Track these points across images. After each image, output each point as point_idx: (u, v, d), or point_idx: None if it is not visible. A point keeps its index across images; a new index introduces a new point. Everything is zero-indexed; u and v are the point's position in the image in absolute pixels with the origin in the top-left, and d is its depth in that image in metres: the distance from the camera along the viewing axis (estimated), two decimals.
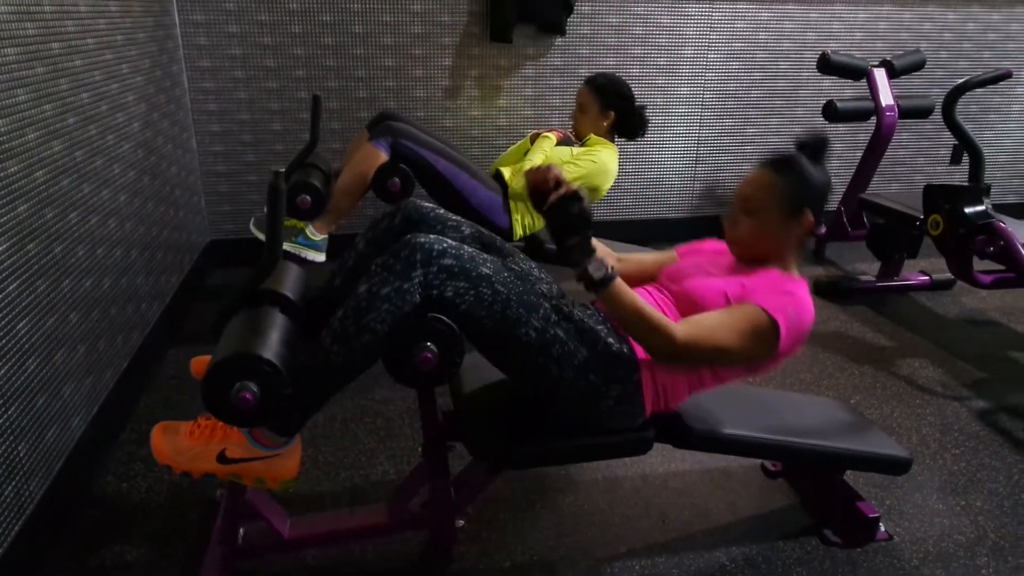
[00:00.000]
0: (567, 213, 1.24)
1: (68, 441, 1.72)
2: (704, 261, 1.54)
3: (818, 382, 2.39)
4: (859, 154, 3.57)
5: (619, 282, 1.27)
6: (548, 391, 1.34)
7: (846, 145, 3.81)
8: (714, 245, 1.62)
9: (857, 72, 3.16)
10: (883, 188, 3.88)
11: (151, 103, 2.51)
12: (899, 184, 3.98)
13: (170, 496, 1.76)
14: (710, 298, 1.38)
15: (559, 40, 3.34)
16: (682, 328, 1.28)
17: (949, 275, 3.15)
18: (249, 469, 1.29)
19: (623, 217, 3.71)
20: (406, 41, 3.18)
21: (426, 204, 1.51)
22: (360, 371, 1.27)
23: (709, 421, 1.54)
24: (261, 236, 2.41)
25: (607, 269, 1.26)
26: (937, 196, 2.47)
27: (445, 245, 1.26)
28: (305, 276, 1.58)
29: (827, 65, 3.11)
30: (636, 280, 1.60)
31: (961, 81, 2.47)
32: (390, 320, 1.21)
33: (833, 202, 3.66)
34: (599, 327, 1.37)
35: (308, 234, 2.40)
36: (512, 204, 2.57)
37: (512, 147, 2.83)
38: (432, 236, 1.26)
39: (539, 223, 2.62)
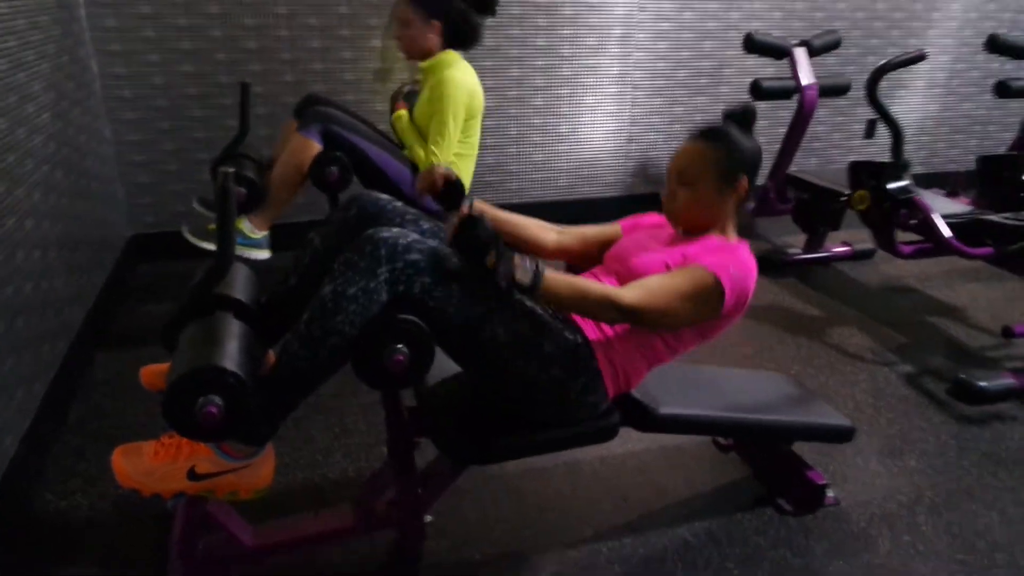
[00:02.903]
0: (471, 239, 1.17)
1: (1, 462, 1.61)
2: (645, 236, 1.54)
3: (759, 355, 2.49)
4: (783, 131, 3.70)
5: (550, 274, 1.24)
6: (514, 387, 1.34)
7: (770, 122, 3.93)
8: (654, 219, 1.63)
9: (779, 52, 3.26)
10: (802, 163, 4.04)
11: (59, 91, 2.33)
12: (817, 159, 4.15)
13: (116, 510, 1.67)
14: (653, 271, 1.39)
15: (489, 20, 3.28)
16: (629, 292, 1.28)
17: (869, 245, 3.33)
18: (221, 483, 1.24)
19: (558, 198, 3.72)
20: (332, 22, 3.06)
21: (382, 196, 1.46)
22: (329, 375, 1.23)
23: (667, 403, 1.57)
24: (200, 244, 2.29)
25: (534, 267, 1.22)
26: (862, 173, 2.58)
27: (411, 239, 1.23)
28: (256, 277, 1.52)
29: (751, 45, 3.19)
30: (579, 254, 1.61)
31: (882, 62, 2.57)
32: (359, 322, 1.18)
33: (760, 178, 3.78)
34: (555, 321, 1.37)
35: (246, 232, 2.30)
36: None
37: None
38: (395, 230, 1.23)
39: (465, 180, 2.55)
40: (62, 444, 1.89)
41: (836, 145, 4.16)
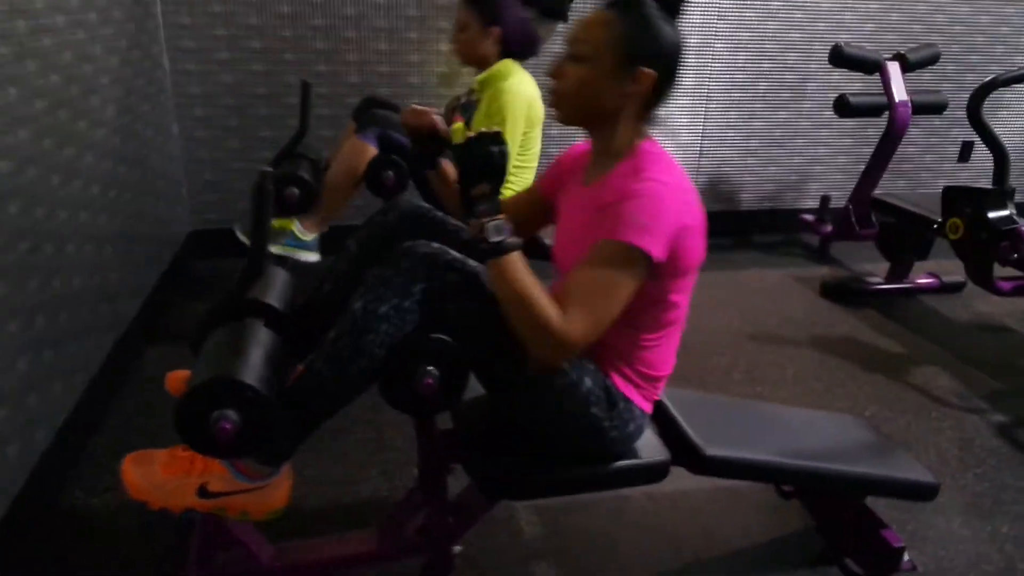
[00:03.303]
0: (482, 153, 1.07)
1: (32, 455, 1.59)
2: (568, 200, 1.31)
3: (830, 391, 2.29)
4: (868, 151, 3.46)
5: (517, 256, 1.08)
6: (550, 423, 1.23)
7: (855, 140, 3.70)
8: (576, 154, 1.37)
9: (870, 66, 3.04)
10: (888, 185, 3.77)
11: (128, 86, 2.35)
12: (905, 181, 3.88)
13: (143, 513, 1.63)
14: (572, 261, 1.16)
15: (561, 27, 3.19)
16: (567, 322, 1.05)
17: (959, 278, 3.06)
18: (233, 503, 1.17)
19: None
20: (401, 24, 3.02)
21: (423, 204, 1.38)
22: (355, 396, 1.15)
23: (723, 444, 1.43)
24: (248, 241, 2.26)
25: (506, 234, 1.07)
26: (958, 199, 2.36)
27: (450, 257, 1.13)
28: (293, 282, 1.45)
29: (840, 58, 2.99)
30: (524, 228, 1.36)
31: (989, 78, 2.35)
32: (388, 342, 1.09)
33: (841, 199, 3.55)
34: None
35: (297, 234, 2.26)
36: None
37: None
38: (435, 246, 1.14)
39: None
40: (102, 439, 1.88)
41: (927, 168, 3.88)
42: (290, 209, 2.22)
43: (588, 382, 1.20)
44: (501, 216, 1.08)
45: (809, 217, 3.57)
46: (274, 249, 2.23)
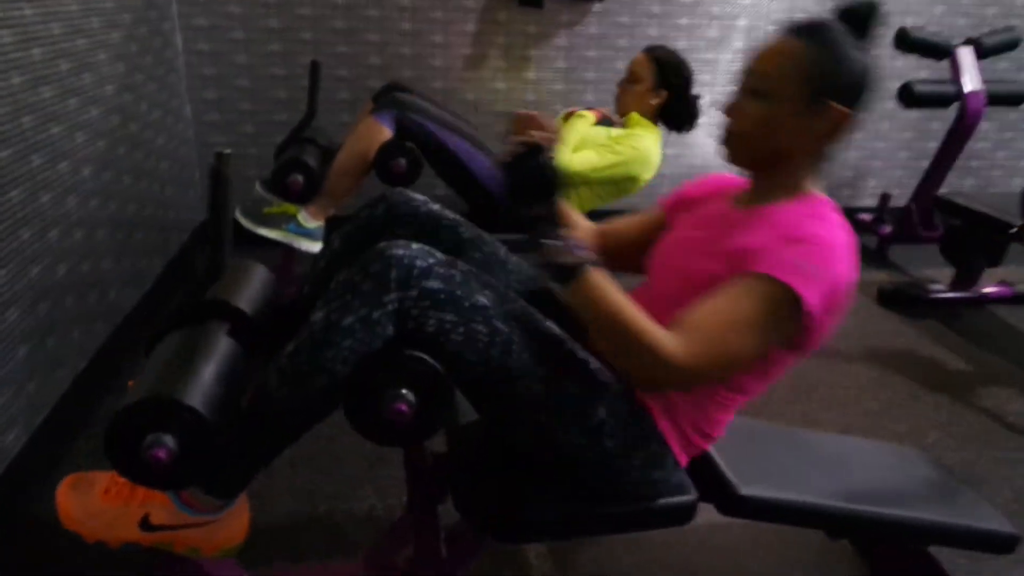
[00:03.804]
0: (533, 169, 0.96)
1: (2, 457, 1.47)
2: (694, 223, 1.16)
3: (887, 413, 2.04)
4: (932, 145, 3.17)
5: (597, 274, 0.94)
6: (555, 457, 1.04)
7: (918, 134, 3.39)
8: (712, 183, 1.23)
9: (940, 51, 2.75)
10: (955, 184, 3.46)
11: (132, 64, 2.21)
12: (974, 179, 3.56)
13: None
14: (698, 283, 1.01)
15: (596, 6, 2.97)
16: (680, 344, 0.91)
17: None
18: (179, 538, 1.00)
19: None
20: (425, 3, 2.84)
21: (417, 196, 1.19)
22: (316, 420, 0.97)
23: (761, 481, 1.22)
24: (255, 229, 2.11)
25: (583, 252, 0.94)
26: None
27: (431, 262, 0.94)
28: (272, 281, 1.28)
29: (905, 42, 2.71)
30: (622, 254, 1.26)
31: None
32: (353, 359, 0.90)
33: (902, 198, 3.26)
34: (614, 379, 1.04)
35: (301, 221, 2.10)
36: None
37: None
38: (415, 247, 0.95)
39: None
40: (85, 440, 1.75)
41: (999, 165, 3.55)
42: (293, 196, 2.07)
43: (602, 412, 1.00)
44: (570, 234, 0.95)
45: (866, 217, 3.28)
46: (275, 235, 2.08)
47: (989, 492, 1.73)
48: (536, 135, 1.08)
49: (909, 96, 2.73)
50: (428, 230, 1.15)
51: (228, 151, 1.00)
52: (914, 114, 3.30)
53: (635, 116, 2.30)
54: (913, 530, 1.30)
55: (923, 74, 3.20)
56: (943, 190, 2.95)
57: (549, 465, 1.07)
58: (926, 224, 2.98)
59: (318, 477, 1.67)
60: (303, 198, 2.08)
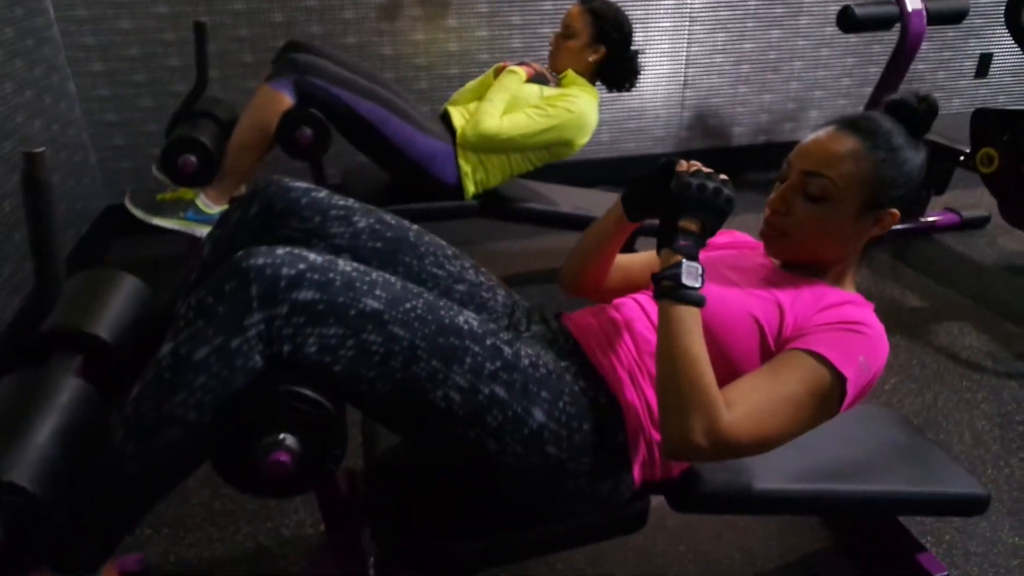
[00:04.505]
0: (711, 188, 0.91)
1: None
2: (722, 257, 1.07)
3: None
4: (873, 71, 3.06)
5: (699, 314, 0.88)
6: (485, 471, 0.90)
7: (859, 59, 3.27)
8: (737, 237, 1.18)
9: None
10: None
11: None
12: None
13: None
14: (731, 321, 0.92)
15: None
16: (733, 419, 0.83)
17: (982, 212, 2.70)
18: None
19: (597, 156, 3.18)
20: None
21: (297, 184, 1.01)
22: (181, 477, 0.81)
23: (712, 469, 1.11)
24: (148, 219, 1.88)
25: (701, 283, 0.88)
26: (993, 125, 1.98)
27: (302, 267, 0.77)
28: (142, 291, 1.10)
29: None
30: (619, 290, 1.14)
31: None
32: (211, 402, 0.74)
33: None
34: (562, 365, 0.91)
35: (200, 206, 1.88)
36: (461, 154, 2.05)
37: (470, 83, 2.30)
38: (280, 252, 0.77)
39: (495, 178, 2.11)
40: None
41: (939, 86, 3.47)
42: (188, 179, 1.85)
43: (539, 415, 0.87)
44: (699, 262, 0.89)
45: None
46: (172, 224, 1.86)
47: (949, 436, 1.66)
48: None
49: (850, 20, 2.59)
50: (315, 224, 0.97)
51: (40, 150, 0.80)
52: (854, 38, 3.18)
53: (571, 74, 2.13)
54: (883, 504, 1.21)
55: None
56: None
57: (483, 480, 0.93)
58: None
59: (241, 498, 1.50)
60: (200, 180, 1.86)
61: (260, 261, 0.75)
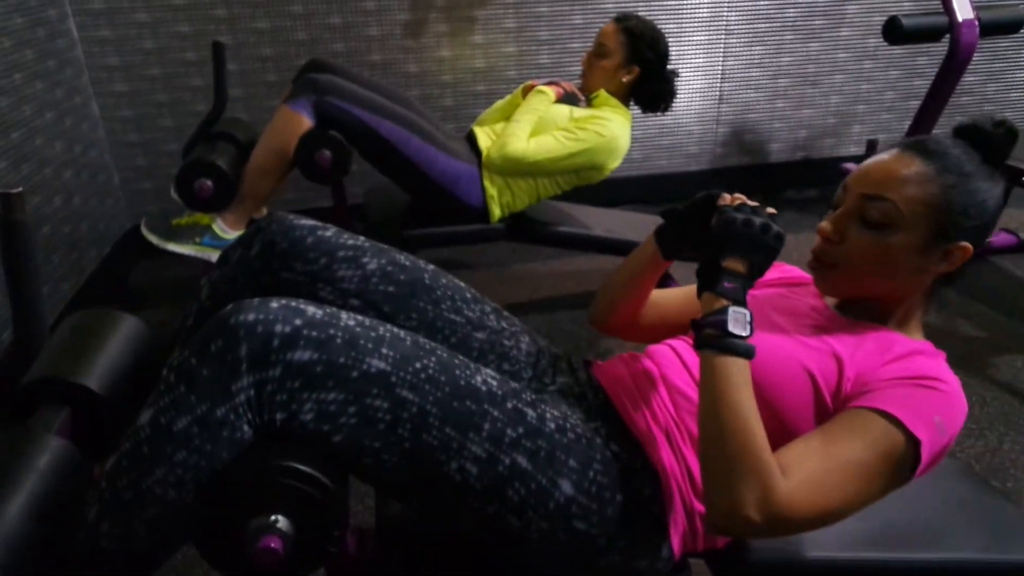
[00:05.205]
0: (758, 223, 0.81)
1: None
2: (768, 297, 0.96)
3: None
4: (920, 84, 2.92)
5: (748, 367, 0.78)
6: (507, 546, 0.80)
7: (904, 72, 3.13)
8: (779, 271, 1.06)
9: None
10: (944, 124, 3.21)
11: (5, 62, 1.90)
12: (963, 117, 3.26)
13: None
14: (781, 375, 0.81)
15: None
16: (789, 487, 0.72)
17: None
18: None
19: (629, 173, 3.07)
20: None
21: (303, 222, 0.92)
22: (162, 558, 0.72)
23: None
24: (163, 245, 1.82)
25: (749, 331, 0.77)
26: None
27: (298, 323, 0.69)
28: (142, 332, 1.02)
29: None
30: (653, 329, 1.04)
31: None
32: (192, 479, 0.65)
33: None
34: (592, 426, 0.81)
35: (217, 231, 1.82)
36: (487, 177, 1.97)
37: (498, 102, 2.22)
38: (275, 305, 0.69)
39: (522, 201, 2.02)
40: None
41: (990, 99, 3.30)
42: (204, 204, 1.79)
43: (567, 487, 0.77)
44: (744, 308, 0.79)
45: (852, 167, 3.02)
46: (187, 250, 1.80)
47: (1018, 487, 1.52)
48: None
49: (897, 32, 2.45)
50: (321, 267, 0.89)
51: (18, 190, 0.73)
52: (899, 50, 3.04)
53: (603, 94, 2.04)
54: (956, 573, 1.08)
55: (905, 6, 2.94)
56: (938, 131, 2.70)
57: (504, 557, 0.83)
58: None
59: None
60: (216, 205, 1.80)
61: (251, 317, 0.66)
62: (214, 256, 1.82)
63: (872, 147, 2.94)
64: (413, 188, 1.96)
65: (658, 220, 1.00)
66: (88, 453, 0.87)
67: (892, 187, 0.83)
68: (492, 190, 1.96)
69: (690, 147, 3.09)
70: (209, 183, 1.75)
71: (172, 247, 1.80)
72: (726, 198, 0.87)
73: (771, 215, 0.84)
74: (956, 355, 1.93)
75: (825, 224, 0.88)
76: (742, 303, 0.79)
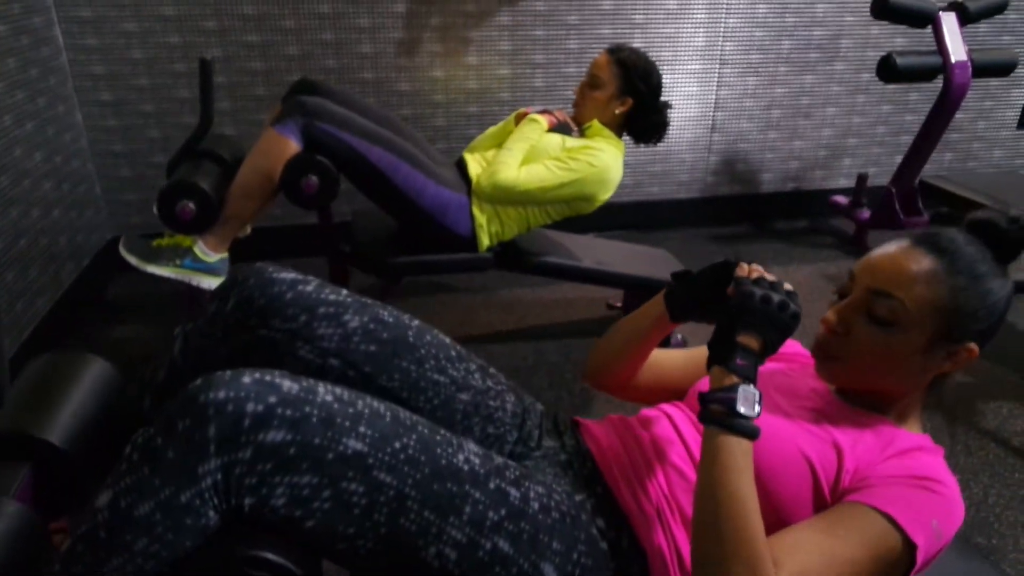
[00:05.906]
0: (776, 300, 0.79)
1: None
2: (763, 377, 0.94)
3: None
4: (911, 119, 2.93)
5: (751, 448, 0.75)
6: None
7: (895, 107, 3.14)
8: (784, 347, 1.04)
9: (922, 17, 2.48)
10: (933, 158, 3.22)
11: None
12: (953, 154, 3.33)
13: None
14: (780, 460, 0.79)
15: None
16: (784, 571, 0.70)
17: None
18: None
19: (620, 199, 3.05)
20: None
21: (283, 275, 0.89)
22: None
23: None
24: (143, 267, 1.77)
25: (758, 411, 0.75)
26: None
27: (272, 401, 0.65)
28: (113, 378, 0.98)
29: (884, 9, 2.44)
30: (648, 390, 1.01)
31: None
32: (153, 570, 0.62)
33: (880, 177, 3.03)
34: (578, 500, 0.79)
35: (198, 253, 1.77)
36: (476, 204, 1.94)
37: (490, 129, 2.19)
38: (247, 380, 0.66)
39: (511, 230, 1.99)
40: None
41: (979, 137, 3.32)
42: (186, 227, 1.74)
43: (549, 571, 0.74)
44: (755, 387, 0.77)
45: (842, 200, 3.03)
46: (167, 272, 1.76)
47: (1002, 544, 1.51)
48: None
49: (891, 71, 2.46)
50: (300, 324, 0.85)
51: None
52: (891, 87, 3.05)
53: (596, 125, 2.03)
54: None
55: (899, 41, 2.95)
56: (929, 172, 2.71)
57: None
58: (908, 209, 2.75)
59: None
60: (198, 227, 1.76)
61: (220, 395, 0.63)
62: (194, 278, 1.78)
63: (863, 181, 2.96)
64: (401, 215, 1.92)
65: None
66: (49, 512, 0.83)
67: (901, 285, 0.81)
68: (481, 218, 1.94)
69: (681, 175, 3.08)
70: (191, 205, 1.71)
71: (152, 269, 1.76)
72: (744, 268, 0.84)
73: (789, 292, 0.82)
74: (941, 401, 1.93)
75: (830, 315, 0.86)
76: (753, 381, 0.77)
